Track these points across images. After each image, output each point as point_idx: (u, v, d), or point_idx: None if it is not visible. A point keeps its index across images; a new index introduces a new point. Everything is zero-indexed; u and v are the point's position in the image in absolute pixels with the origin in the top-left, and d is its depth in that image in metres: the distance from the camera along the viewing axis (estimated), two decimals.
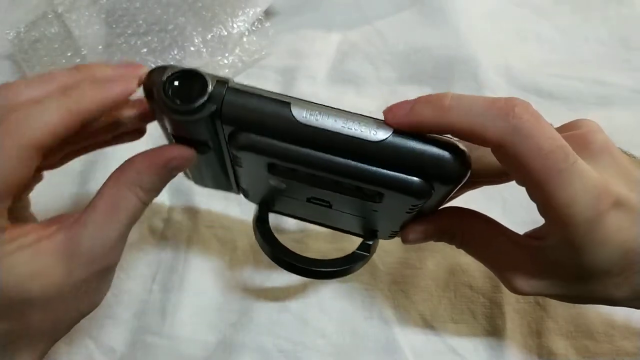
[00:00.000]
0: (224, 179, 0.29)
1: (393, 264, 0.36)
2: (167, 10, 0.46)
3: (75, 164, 0.41)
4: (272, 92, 0.21)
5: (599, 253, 0.21)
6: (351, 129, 0.21)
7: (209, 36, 0.44)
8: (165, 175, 0.23)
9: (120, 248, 0.23)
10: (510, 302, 0.34)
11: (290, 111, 0.21)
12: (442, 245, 0.36)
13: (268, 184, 0.26)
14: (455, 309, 0.34)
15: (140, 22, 0.45)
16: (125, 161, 0.23)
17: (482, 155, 0.23)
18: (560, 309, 0.34)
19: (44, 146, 0.21)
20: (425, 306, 0.34)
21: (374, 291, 0.35)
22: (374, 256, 0.36)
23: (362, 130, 0.21)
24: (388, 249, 0.36)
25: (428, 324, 0.34)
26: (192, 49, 0.44)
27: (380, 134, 0.21)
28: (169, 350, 0.33)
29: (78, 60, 0.44)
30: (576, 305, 0.34)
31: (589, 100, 0.42)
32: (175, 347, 0.34)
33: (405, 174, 0.21)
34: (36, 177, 0.27)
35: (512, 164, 0.20)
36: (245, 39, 0.45)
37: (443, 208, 0.26)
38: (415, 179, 0.21)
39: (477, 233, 0.26)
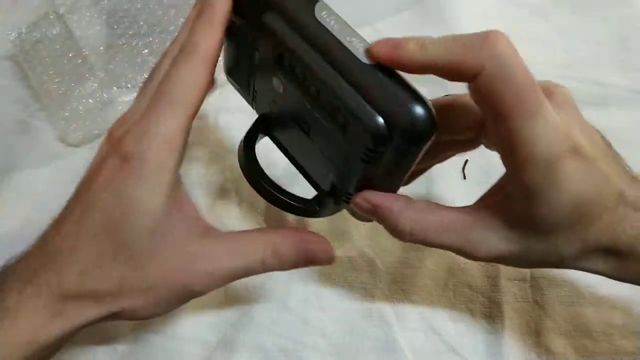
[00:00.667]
0: (244, 73, 0.29)
1: (393, 263, 0.36)
2: (168, 11, 0.46)
3: (77, 163, 0.42)
4: None
5: (553, 201, 0.21)
6: (350, 42, 0.22)
7: None
8: None
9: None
10: (509, 301, 0.34)
11: (313, 7, 0.22)
12: None
13: (270, 88, 0.26)
14: (455, 308, 0.35)
15: (142, 23, 0.45)
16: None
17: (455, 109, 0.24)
18: (558, 308, 0.34)
19: (214, 60, 0.24)
20: (424, 305, 0.35)
21: (374, 290, 0.35)
22: (374, 256, 0.36)
23: (358, 48, 0.22)
24: (388, 249, 0.36)
25: (427, 323, 0.34)
26: None
27: (369, 60, 0.21)
28: (170, 350, 0.34)
29: (79, 61, 0.44)
30: (575, 304, 0.34)
31: (587, 101, 0.42)
32: (176, 346, 0.34)
33: (373, 110, 0.21)
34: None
35: (486, 94, 0.20)
36: None
37: (383, 195, 0.25)
38: (380, 118, 0.21)
39: (427, 218, 0.25)
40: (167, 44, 0.44)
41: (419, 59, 0.21)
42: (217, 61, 0.25)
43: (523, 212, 0.23)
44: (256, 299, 0.35)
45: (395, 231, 0.25)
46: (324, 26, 0.22)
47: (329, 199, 0.28)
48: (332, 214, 0.29)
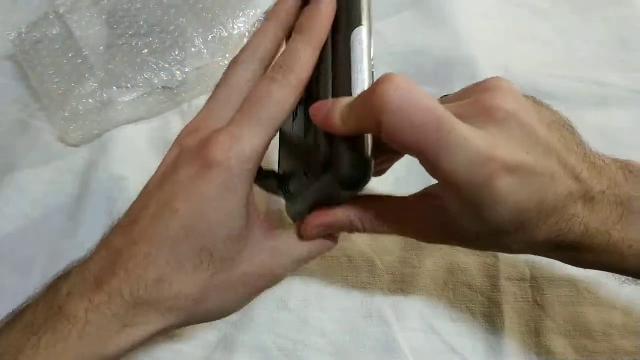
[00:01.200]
0: None
1: (392, 263, 0.36)
2: (168, 11, 0.46)
3: (77, 163, 0.42)
4: None
5: (492, 213, 0.21)
6: (356, 78, 0.23)
7: (210, 37, 0.44)
8: None
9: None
10: (509, 301, 0.34)
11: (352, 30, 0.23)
12: (441, 245, 0.36)
13: None
14: (454, 308, 0.35)
15: (142, 23, 0.45)
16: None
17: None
18: (559, 308, 0.34)
19: (305, 84, 0.24)
20: (424, 305, 0.35)
21: (374, 290, 0.35)
22: (374, 255, 0.36)
23: (357, 86, 0.23)
24: (388, 249, 0.36)
25: (427, 323, 0.34)
26: (193, 49, 0.44)
27: None
28: (170, 349, 0.34)
29: (79, 61, 0.44)
30: (575, 304, 0.34)
31: (587, 101, 0.42)
32: (176, 346, 0.34)
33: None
34: None
35: (394, 143, 0.20)
36: (245, 40, 0.46)
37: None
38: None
39: (373, 213, 0.26)
40: (167, 44, 0.44)
41: (343, 129, 0.21)
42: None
43: (463, 225, 0.23)
44: (256, 299, 0.35)
45: (353, 229, 0.26)
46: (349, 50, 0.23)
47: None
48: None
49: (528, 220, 0.22)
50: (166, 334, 0.24)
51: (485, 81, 0.24)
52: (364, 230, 0.26)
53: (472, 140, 0.20)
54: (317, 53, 0.24)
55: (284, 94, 0.23)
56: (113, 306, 0.21)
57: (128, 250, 0.22)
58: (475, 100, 0.22)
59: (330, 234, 0.27)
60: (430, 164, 0.20)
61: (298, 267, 0.27)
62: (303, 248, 0.27)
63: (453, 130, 0.20)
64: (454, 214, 0.23)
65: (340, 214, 0.25)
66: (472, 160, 0.20)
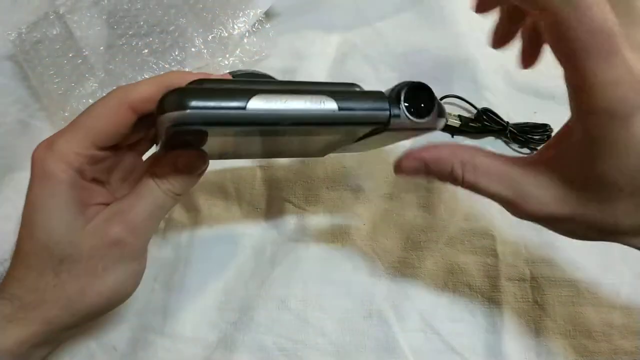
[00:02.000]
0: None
1: (393, 263, 0.36)
2: (168, 11, 0.46)
3: None
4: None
5: (617, 160, 0.20)
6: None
7: (210, 37, 0.44)
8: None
9: (143, 232, 0.27)
10: (509, 301, 0.34)
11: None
12: (441, 245, 0.36)
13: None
14: (454, 308, 0.35)
15: (142, 23, 0.45)
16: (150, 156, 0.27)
17: None
18: (558, 308, 0.34)
19: (137, 109, 0.25)
20: (424, 305, 0.35)
21: (374, 290, 0.35)
22: (374, 256, 0.36)
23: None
24: (388, 249, 0.36)
25: (427, 323, 0.34)
26: (193, 50, 0.44)
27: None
28: (170, 349, 0.34)
29: (79, 61, 0.44)
30: (575, 304, 0.34)
31: None
32: (176, 345, 0.34)
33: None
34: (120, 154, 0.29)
35: (559, 34, 0.19)
36: (245, 40, 0.46)
37: (439, 143, 0.26)
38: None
39: (479, 162, 0.24)
40: (167, 44, 0.44)
41: None
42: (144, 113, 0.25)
43: (582, 168, 0.21)
44: (256, 299, 0.35)
45: (450, 175, 0.24)
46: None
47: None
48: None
49: None
50: (64, 333, 0.26)
51: None
52: (462, 182, 0.24)
53: (637, 63, 0.19)
54: (158, 89, 0.24)
55: (105, 110, 0.25)
56: (1, 307, 0.24)
57: (13, 258, 0.26)
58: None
59: None
60: (587, 69, 0.19)
61: (158, 208, 0.26)
62: (143, 195, 0.26)
63: (625, 46, 0.19)
64: (574, 162, 0.21)
65: (445, 151, 0.24)
66: (630, 83, 0.18)
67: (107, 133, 0.25)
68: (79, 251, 0.25)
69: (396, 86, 0.25)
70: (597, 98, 0.19)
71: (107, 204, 0.26)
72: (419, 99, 0.25)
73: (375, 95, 0.24)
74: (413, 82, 0.25)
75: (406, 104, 0.24)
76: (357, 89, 0.26)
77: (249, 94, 0.22)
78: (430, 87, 0.25)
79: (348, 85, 0.26)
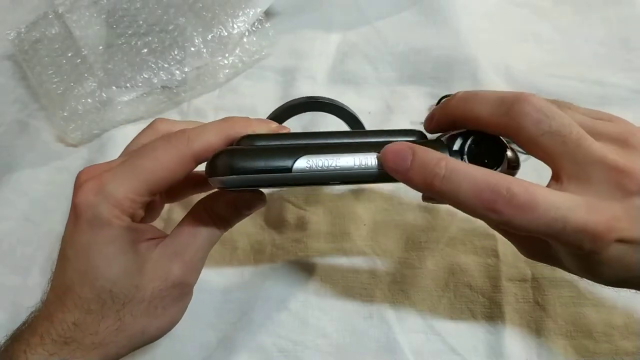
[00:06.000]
0: None
1: (392, 263, 0.36)
2: (167, 10, 0.46)
3: (76, 163, 0.42)
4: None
5: (601, 270, 0.22)
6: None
7: (209, 36, 0.44)
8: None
9: (199, 269, 0.27)
10: (510, 301, 0.34)
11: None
12: (442, 245, 0.36)
13: None
14: (455, 309, 0.34)
15: (141, 22, 0.45)
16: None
17: None
18: (559, 309, 0.34)
19: (200, 159, 0.24)
20: (424, 306, 0.35)
21: (374, 291, 0.35)
22: (374, 256, 0.36)
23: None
24: (388, 249, 0.36)
25: (428, 324, 0.34)
26: (192, 49, 0.44)
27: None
28: (170, 350, 0.34)
29: (78, 60, 0.44)
30: (576, 304, 0.34)
31: (588, 101, 0.42)
32: (175, 346, 0.34)
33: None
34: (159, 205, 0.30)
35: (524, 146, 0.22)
36: (245, 40, 0.46)
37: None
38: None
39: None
40: (167, 43, 0.44)
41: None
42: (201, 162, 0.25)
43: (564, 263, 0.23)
44: (256, 299, 0.35)
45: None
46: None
47: None
48: None
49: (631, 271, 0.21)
50: None
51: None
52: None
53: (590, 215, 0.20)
54: (221, 140, 0.24)
55: (167, 157, 0.24)
56: (47, 346, 0.24)
57: (50, 297, 0.25)
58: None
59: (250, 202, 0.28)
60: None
61: (211, 244, 0.27)
62: (200, 233, 0.26)
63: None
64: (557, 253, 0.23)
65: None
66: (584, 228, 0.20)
67: (165, 180, 0.24)
68: (141, 294, 0.24)
69: (457, 134, 0.24)
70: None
71: (154, 238, 0.26)
72: (484, 150, 0.23)
73: (436, 145, 0.23)
74: (477, 132, 0.23)
75: (467, 157, 0.23)
76: (415, 138, 0.24)
77: (295, 155, 0.22)
78: (501, 138, 0.23)
79: (408, 134, 0.24)
